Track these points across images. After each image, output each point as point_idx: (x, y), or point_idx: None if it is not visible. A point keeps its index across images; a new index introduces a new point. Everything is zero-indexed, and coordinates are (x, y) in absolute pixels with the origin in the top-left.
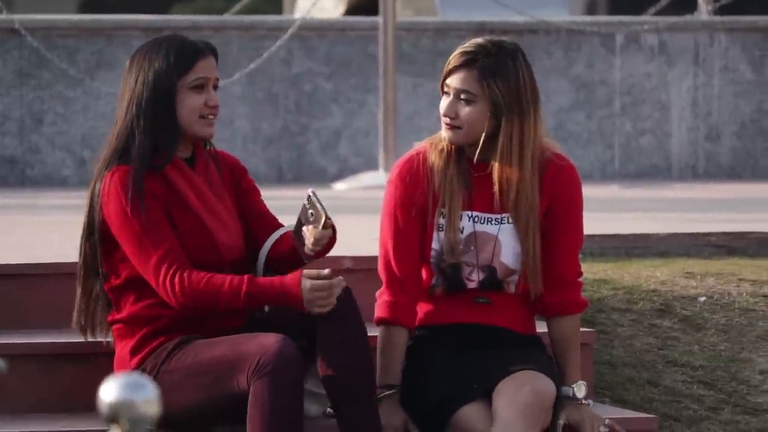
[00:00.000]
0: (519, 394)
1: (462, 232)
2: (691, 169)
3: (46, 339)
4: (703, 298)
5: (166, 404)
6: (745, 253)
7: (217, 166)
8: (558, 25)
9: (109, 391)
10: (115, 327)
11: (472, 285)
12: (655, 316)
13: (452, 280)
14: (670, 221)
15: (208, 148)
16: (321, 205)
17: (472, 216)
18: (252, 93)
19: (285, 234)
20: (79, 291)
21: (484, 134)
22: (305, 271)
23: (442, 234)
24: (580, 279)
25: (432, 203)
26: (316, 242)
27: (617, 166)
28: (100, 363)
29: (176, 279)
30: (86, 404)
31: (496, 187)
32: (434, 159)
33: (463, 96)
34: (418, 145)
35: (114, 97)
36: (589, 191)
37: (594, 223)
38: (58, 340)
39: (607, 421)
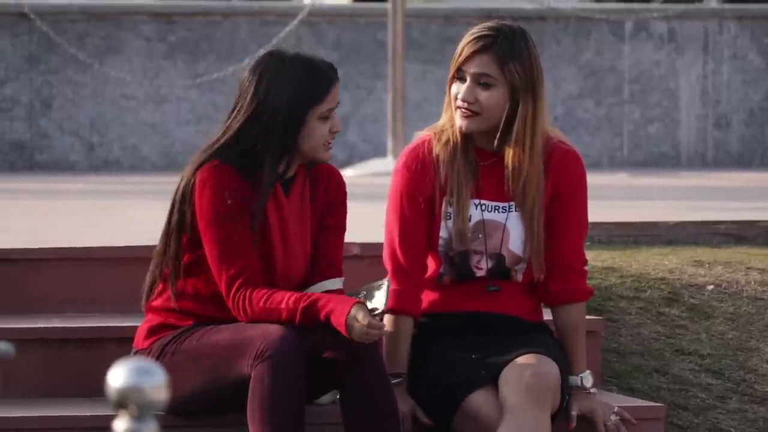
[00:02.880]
0: (522, 379)
1: (470, 221)
2: (699, 157)
3: (54, 324)
4: (711, 287)
5: (168, 386)
6: (754, 241)
7: (313, 190)
8: (567, 12)
9: (117, 377)
10: (153, 302)
11: (480, 273)
12: (663, 305)
13: (461, 268)
14: (679, 209)
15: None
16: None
17: (479, 204)
18: None
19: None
20: (150, 278)
21: (503, 119)
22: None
23: (450, 222)
24: (586, 267)
25: (439, 192)
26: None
27: (626, 153)
28: (108, 348)
29: (242, 297)
30: (94, 389)
31: (509, 170)
32: (440, 150)
33: (482, 80)
34: (421, 134)
35: (122, 82)
36: (597, 179)
37: (602, 211)
38: (66, 325)
39: (616, 408)
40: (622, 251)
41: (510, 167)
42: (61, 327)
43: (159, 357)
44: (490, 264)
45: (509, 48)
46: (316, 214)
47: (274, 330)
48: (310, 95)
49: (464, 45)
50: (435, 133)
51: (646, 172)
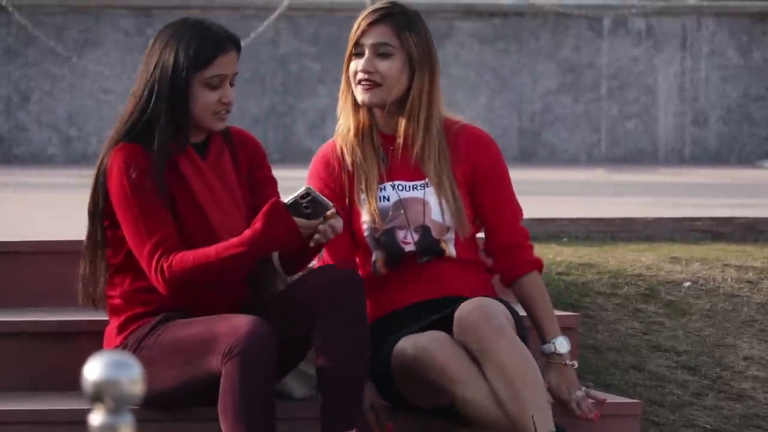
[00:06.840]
0: (469, 302)
1: (389, 201)
2: (677, 153)
3: (29, 317)
4: (688, 283)
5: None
6: (731, 238)
7: (232, 152)
8: (545, 7)
9: (93, 370)
10: (109, 301)
11: (409, 248)
12: (640, 301)
13: (389, 247)
14: (656, 206)
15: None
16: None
17: (395, 185)
18: (239, 73)
19: None
20: (86, 267)
21: (399, 89)
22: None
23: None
24: (530, 242)
25: (349, 183)
26: (331, 231)
27: (603, 149)
28: (83, 341)
29: (161, 266)
30: (70, 383)
31: (401, 140)
32: (341, 142)
33: (381, 50)
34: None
35: (100, 75)
36: (575, 174)
37: (579, 207)
38: (41, 319)
39: (583, 388)
40: (600, 247)
41: (402, 137)
42: (36, 320)
43: (135, 351)
44: (416, 237)
45: (405, 20)
46: (243, 175)
47: (243, 325)
48: (194, 59)
49: (360, 20)
50: (337, 135)
51: (624, 169)
